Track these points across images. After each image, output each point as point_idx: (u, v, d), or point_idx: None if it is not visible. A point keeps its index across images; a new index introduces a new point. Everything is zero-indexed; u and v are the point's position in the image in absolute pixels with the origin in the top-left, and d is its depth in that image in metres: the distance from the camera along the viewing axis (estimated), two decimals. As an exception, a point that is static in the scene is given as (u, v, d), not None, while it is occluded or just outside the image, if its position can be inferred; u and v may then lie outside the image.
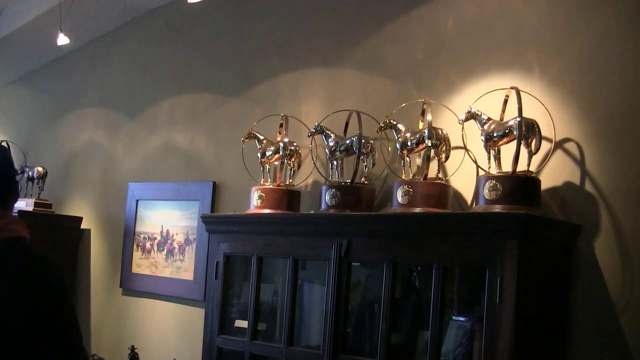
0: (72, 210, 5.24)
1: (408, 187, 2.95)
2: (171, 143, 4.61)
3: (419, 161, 3.15)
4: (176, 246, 4.40)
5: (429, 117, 3.08)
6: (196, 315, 4.07)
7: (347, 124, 3.40)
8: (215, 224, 3.57)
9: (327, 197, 3.20)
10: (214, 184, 4.21)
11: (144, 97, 4.90)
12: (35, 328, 1.82)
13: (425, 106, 3.13)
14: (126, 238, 4.76)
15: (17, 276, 1.85)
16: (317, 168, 3.57)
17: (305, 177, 3.66)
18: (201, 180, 4.30)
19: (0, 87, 6.38)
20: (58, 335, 1.87)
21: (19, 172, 5.28)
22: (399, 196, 2.96)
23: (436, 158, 3.03)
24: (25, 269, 1.87)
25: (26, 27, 5.07)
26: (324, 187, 3.26)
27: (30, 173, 5.14)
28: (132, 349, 4.09)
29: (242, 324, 3.34)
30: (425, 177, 3.00)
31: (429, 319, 2.63)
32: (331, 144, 3.35)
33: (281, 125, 3.67)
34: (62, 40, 4.43)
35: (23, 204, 5.01)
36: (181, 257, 4.35)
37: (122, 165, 4.95)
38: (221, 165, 4.23)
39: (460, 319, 2.71)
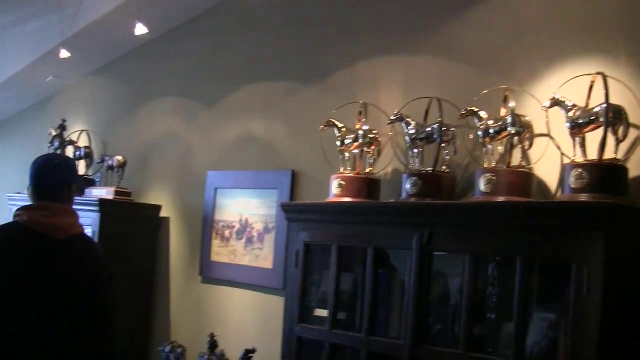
0: (152, 199, 5.42)
1: (491, 175, 2.98)
2: (248, 132, 4.73)
3: (501, 149, 3.18)
4: (255, 234, 4.53)
5: (512, 104, 3.10)
6: (275, 304, 4.19)
7: (427, 112, 3.45)
8: (295, 212, 3.67)
9: (407, 186, 3.26)
10: (293, 172, 4.30)
11: (220, 86, 5.02)
12: (99, 300, 2.79)
13: (507, 93, 3.16)
14: (205, 226, 4.91)
15: (92, 260, 2.88)
16: (397, 156, 3.64)
17: (385, 166, 3.73)
18: (280, 168, 4.40)
19: (80, 78, 6.62)
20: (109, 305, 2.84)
21: (100, 161, 5.51)
22: (482, 185, 3.00)
23: (519, 146, 3.05)
24: (96, 255, 2.93)
25: (104, 19, 5.24)
26: (404, 176, 3.32)
27: (110, 162, 5.36)
28: (212, 336, 4.24)
29: (322, 313, 3.44)
30: (508, 165, 3.03)
31: (512, 310, 2.66)
32: (411, 131, 3.40)
33: (360, 113, 3.75)
34: (140, 30, 4.61)
35: (104, 193, 5.23)
36: (260, 246, 4.48)
37: (200, 154, 5.10)
38: (299, 153, 4.32)
39: (544, 311, 2.74)
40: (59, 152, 5.94)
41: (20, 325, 2.67)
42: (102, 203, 5.00)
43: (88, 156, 5.75)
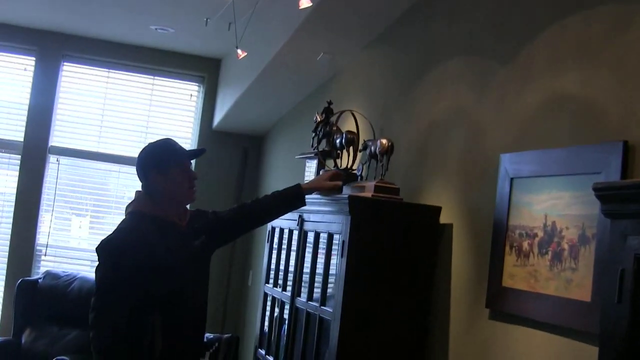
0: (428, 198, 4.22)
1: None
2: (557, 91, 3.33)
3: None
4: (566, 246, 3.11)
5: None
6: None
7: None
8: (619, 200, 2.20)
9: None
10: (625, 144, 2.83)
11: (517, 33, 3.70)
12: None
13: None
14: (496, 235, 3.57)
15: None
16: None
17: None
18: (604, 141, 2.97)
19: (357, 52, 5.73)
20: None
21: (362, 148, 4.48)
22: None
23: None
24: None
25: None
26: None
27: (372, 148, 4.26)
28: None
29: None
30: None
31: None
32: None
33: None
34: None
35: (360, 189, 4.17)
36: (573, 265, 3.05)
37: (492, 131, 3.79)
38: (634, 114, 2.86)
39: None
40: (323, 141, 5.05)
41: None
42: (353, 202, 3.86)
43: (351, 143, 4.71)
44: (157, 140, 3.69)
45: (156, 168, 3.51)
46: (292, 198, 4.07)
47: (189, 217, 3.67)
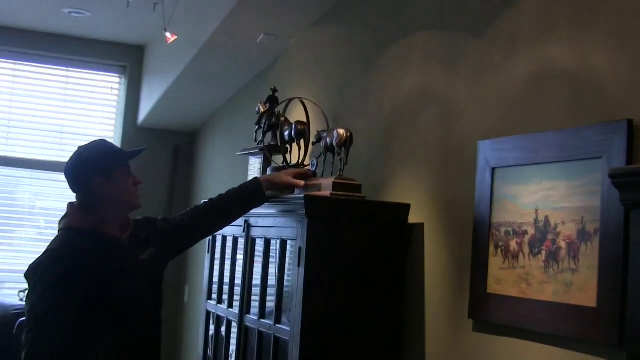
0: (395, 195, 4.08)
1: None
2: (548, 64, 3.23)
3: None
4: (562, 244, 2.97)
5: None
6: (606, 376, 2.63)
7: None
8: (642, 186, 2.08)
9: None
10: (630, 124, 2.72)
11: (498, -2, 3.59)
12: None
13: None
14: (477, 235, 3.44)
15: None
16: None
17: None
18: (605, 120, 2.86)
19: (302, 32, 5.58)
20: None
21: (315, 141, 4.29)
22: None
23: None
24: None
25: None
26: None
27: (328, 140, 4.06)
28: None
29: None
30: None
31: None
32: None
33: None
34: None
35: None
36: (572, 265, 2.91)
37: (468, 115, 3.66)
38: (640, 89, 2.74)
39: None
40: (268, 134, 4.84)
41: None
42: (310, 202, 3.67)
43: (302, 135, 4.50)
44: (92, 142, 3.48)
45: (100, 172, 3.34)
46: (250, 194, 3.90)
47: (132, 228, 3.46)
